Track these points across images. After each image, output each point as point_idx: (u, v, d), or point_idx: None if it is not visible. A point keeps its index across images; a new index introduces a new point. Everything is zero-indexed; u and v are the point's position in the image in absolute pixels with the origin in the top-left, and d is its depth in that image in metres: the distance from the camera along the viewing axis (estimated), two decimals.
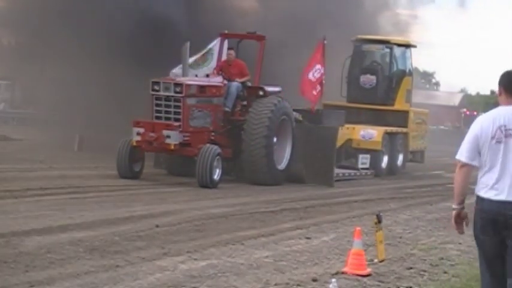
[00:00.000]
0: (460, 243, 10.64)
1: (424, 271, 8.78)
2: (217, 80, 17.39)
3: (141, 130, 15.97)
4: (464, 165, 5.63)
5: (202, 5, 24.34)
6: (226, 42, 18.66)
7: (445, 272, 8.80)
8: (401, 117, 23.60)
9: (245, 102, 17.88)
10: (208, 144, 16.12)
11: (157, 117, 16.30)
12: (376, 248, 8.98)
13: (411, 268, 8.87)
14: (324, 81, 19.23)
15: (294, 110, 18.48)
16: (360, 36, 24.27)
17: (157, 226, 10.53)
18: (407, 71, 24.41)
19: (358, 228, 8.53)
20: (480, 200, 5.59)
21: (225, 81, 17.42)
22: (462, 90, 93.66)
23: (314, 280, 7.89)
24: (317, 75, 18.95)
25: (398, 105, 23.76)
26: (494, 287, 5.66)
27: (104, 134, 20.31)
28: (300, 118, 18.79)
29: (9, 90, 40.63)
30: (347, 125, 21.26)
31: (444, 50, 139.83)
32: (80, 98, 22.28)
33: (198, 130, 16.66)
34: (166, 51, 19.53)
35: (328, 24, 25.11)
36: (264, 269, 8.36)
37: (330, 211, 13.90)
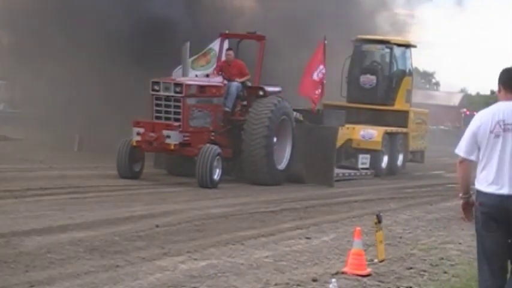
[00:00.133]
0: (460, 243, 10.62)
1: (424, 271, 8.78)
2: (217, 80, 17.40)
3: (141, 130, 15.97)
4: (463, 160, 5.75)
5: (202, 5, 24.35)
6: (226, 42, 18.68)
7: (445, 272, 8.80)
8: (401, 117, 23.60)
9: (245, 102, 17.88)
10: (208, 144, 16.12)
11: (157, 117, 16.30)
12: (376, 248, 8.99)
13: (411, 268, 8.87)
14: (324, 82, 19.25)
15: (295, 110, 18.49)
16: (360, 36, 24.28)
17: (157, 226, 10.53)
18: (407, 71, 24.42)
19: (358, 228, 8.53)
20: (482, 194, 5.64)
21: (225, 81, 17.43)
22: (462, 90, 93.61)
23: (314, 280, 7.89)
24: (320, 75, 19.01)
25: (398, 105, 23.77)
26: (493, 282, 5.69)
27: (104, 134, 20.30)
28: (301, 118, 18.80)
29: (9, 90, 40.59)
30: (347, 125, 21.26)
31: (444, 49, 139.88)
32: (80, 98, 22.26)
33: (198, 130, 16.66)
34: (166, 51, 19.54)
35: (328, 24, 25.11)
36: (264, 269, 8.36)
37: (330, 211, 13.89)
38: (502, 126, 5.63)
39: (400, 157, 23.53)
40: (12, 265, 7.71)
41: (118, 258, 8.36)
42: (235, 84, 17.49)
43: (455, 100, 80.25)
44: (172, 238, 9.82)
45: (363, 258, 8.35)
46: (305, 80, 19.13)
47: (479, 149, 5.71)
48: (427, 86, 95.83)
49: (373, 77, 23.62)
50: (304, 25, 25.36)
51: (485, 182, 5.62)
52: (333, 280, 7.21)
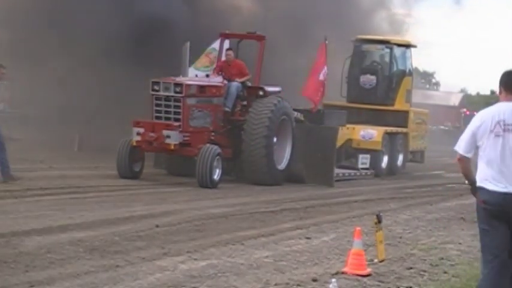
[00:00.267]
0: (460, 243, 10.62)
1: (424, 271, 8.78)
2: (217, 80, 17.40)
3: (141, 130, 15.97)
4: (461, 157, 5.97)
5: (202, 5, 24.34)
6: (226, 42, 18.69)
7: (445, 272, 8.80)
8: (401, 117, 23.60)
9: (245, 102, 17.88)
10: (208, 144, 16.12)
11: (157, 117, 16.30)
12: (376, 248, 8.98)
13: (411, 268, 8.86)
14: (325, 82, 19.27)
15: (296, 110, 18.50)
16: (359, 37, 24.28)
17: (157, 226, 10.53)
18: (407, 71, 24.42)
19: (358, 228, 8.53)
20: (485, 192, 5.76)
21: (225, 81, 17.43)
22: (462, 90, 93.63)
23: (314, 280, 7.89)
24: (324, 76, 19.09)
25: (398, 105, 23.77)
26: (494, 277, 5.77)
27: (104, 134, 20.30)
28: (302, 118, 18.81)
29: (9, 90, 40.57)
30: (347, 125, 21.26)
31: (444, 49, 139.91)
32: (80, 98, 22.26)
33: (198, 130, 16.66)
34: (166, 51, 19.53)
35: (327, 24, 25.11)
36: (264, 269, 8.36)
37: (330, 211, 13.89)
38: (503, 127, 5.75)
39: (400, 157, 23.53)
40: (12, 265, 7.71)
41: (118, 258, 8.36)
42: (235, 84, 17.49)
43: (455, 100, 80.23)
44: (172, 238, 9.82)
45: (363, 258, 8.35)
46: (311, 82, 19.15)
47: (477, 147, 5.93)
48: (427, 86, 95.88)
49: (373, 77, 23.62)
50: (304, 25, 25.38)
51: (487, 181, 5.76)
52: (333, 280, 7.21)
